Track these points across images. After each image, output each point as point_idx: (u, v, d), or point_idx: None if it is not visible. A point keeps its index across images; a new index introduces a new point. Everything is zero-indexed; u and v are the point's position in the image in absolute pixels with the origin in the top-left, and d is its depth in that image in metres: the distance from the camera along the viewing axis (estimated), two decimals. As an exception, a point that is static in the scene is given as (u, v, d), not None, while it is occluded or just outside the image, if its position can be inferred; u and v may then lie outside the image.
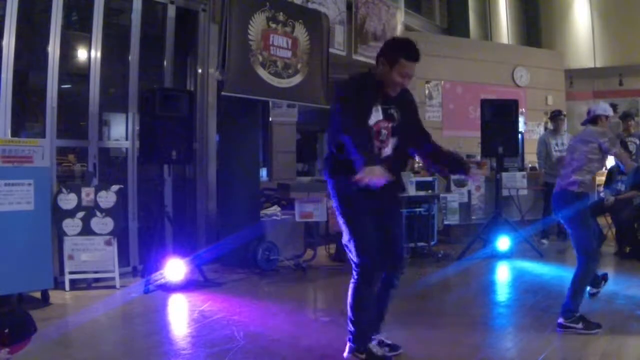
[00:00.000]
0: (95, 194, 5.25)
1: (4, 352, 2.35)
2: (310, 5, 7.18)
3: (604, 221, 7.28)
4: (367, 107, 3.30)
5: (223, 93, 5.75)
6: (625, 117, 8.40)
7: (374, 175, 2.93)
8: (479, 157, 8.22)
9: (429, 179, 7.29)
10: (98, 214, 5.24)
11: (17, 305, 2.58)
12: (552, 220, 7.73)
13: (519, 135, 7.39)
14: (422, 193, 6.89)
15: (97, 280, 5.28)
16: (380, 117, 3.33)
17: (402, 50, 3.29)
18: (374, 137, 3.31)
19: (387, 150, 3.38)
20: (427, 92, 9.80)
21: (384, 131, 3.35)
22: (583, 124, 4.59)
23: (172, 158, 5.38)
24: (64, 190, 5.16)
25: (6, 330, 2.38)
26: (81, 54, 5.89)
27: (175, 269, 5.21)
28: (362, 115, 3.24)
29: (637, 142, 7.78)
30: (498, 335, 4.03)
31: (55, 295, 4.79)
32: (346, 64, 8.22)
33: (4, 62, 4.94)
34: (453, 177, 7.73)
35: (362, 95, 3.29)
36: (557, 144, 7.69)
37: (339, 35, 7.88)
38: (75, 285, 5.12)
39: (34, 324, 2.54)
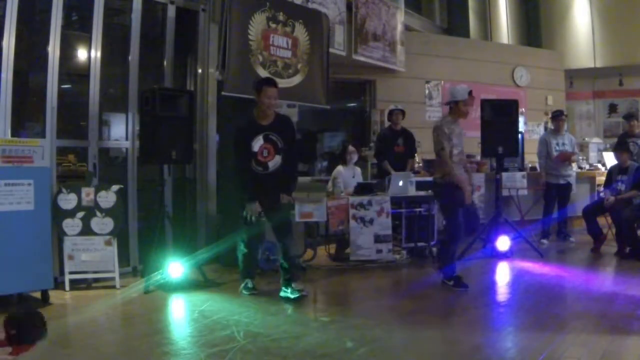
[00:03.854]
0: (95, 194, 5.25)
1: (4, 352, 2.34)
2: (310, 5, 7.17)
3: (604, 221, 7.28)
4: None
5: (223, 93, 5.75)
6: (629, 117, 8.33)
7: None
8: (478, 157, 8.22)
9: (429, 179, 7.27)
10: (98, 214, 5.24)
11: (33, 308, 2.56)
12: (552, 220, 7.79)
13: (519, 135, 7.38)
14: (422, 193, 6.88)
15: (97, 280, 5.28)
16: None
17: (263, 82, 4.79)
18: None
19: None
20: (427, 92, 9.80)
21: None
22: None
23: (172, 158, 5.38)
24: (64, 190, 5.16)
25: (13, 332, 2.38)
26: (81, 54, 5.89)
27: (175, 269, 5.21)
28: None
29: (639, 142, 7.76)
30: (498, 335, 4.02)
31: (55, 295, 4.80)
32: (346, 64, 8.23)
33: (4, 62, 4.94)
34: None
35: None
36: (557, 144, 7.69)
37: (339, 35, 7.88)
38: (75, 285, 5.12)
39: (44, 329, 2.53)
